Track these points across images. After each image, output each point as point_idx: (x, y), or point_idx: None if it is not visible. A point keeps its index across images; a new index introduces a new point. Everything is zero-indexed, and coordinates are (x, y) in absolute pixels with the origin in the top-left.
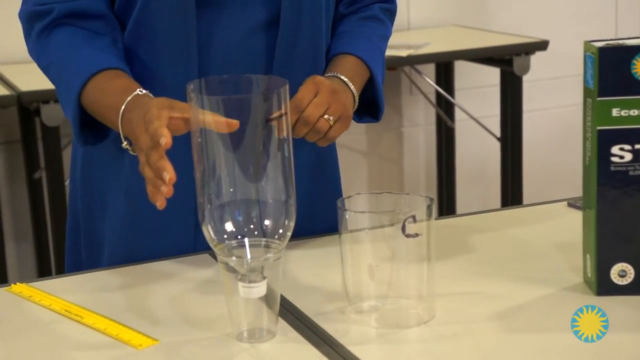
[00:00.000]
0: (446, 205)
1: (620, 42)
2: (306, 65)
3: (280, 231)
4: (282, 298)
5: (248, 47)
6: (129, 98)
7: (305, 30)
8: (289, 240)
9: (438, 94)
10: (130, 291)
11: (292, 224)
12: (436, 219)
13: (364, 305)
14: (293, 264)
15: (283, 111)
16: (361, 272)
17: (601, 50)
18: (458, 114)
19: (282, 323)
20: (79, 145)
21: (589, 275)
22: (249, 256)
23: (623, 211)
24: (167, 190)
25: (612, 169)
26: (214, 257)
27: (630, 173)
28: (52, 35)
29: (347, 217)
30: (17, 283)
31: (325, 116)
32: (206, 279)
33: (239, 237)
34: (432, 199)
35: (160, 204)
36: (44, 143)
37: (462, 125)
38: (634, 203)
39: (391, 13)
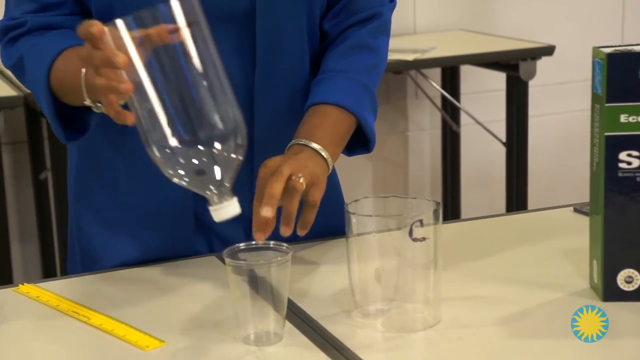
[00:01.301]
0: (451, 209)
1: (629, 48)
2: (289, 83)
3: (233, 146)
4: (289, 301)
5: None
6: (80, 50)
7: (285, 52)
8: (295, 244)
9: (444, 98)
10: (137, 293)
11: (244, 140)
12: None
13: (371, 308)
14: (300, 267)
15: (190, 21)
16: (368, 276)
17: (610, 56)
18: (464, 119)
19: (289, 326)
20: (60, 139)
21: (596, 280)
22: (218, 175)
23: (630, 217)
24: (126, 85)
25: (620, 175)
26: (221, 259)
27: (638, 179)
28: (21, 39)
29: (354, 220)
30: (25, 284)
31: (293, 177)
32: (213, 281)
33: (196, 161)
34: (438, 203)
35: (130, 120)
36: (50, 144)
37: (467, 129)
38: None
39: (380, 30)
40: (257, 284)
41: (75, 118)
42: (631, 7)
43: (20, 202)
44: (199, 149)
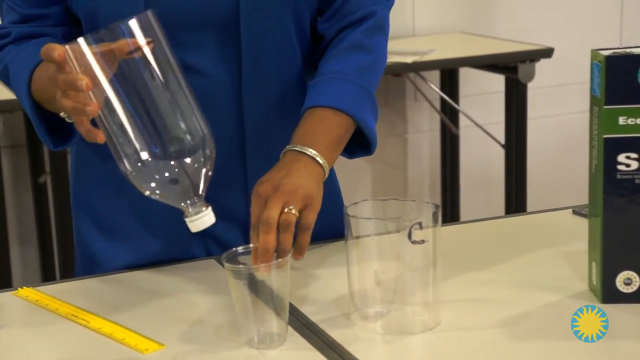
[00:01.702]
0: (450, 211)
1: (628, 50)
2: (278, 85)
3: (202, 158)
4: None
5: (212, 84)
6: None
7: (272, 55)
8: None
9: (443, 100)
10: (136, 296)
11: (212, 151)
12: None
13: (370, 311)
14: (299, 270)
15: (148, 40)
16: (367, 278)
17: (608, 58)
18: (462, 121)
19: (289, 329)
20: (47, 145)
21: (595, 282)
22: (190, 187)
23: (629, 219)
24: (92, 107)
25: (618, 177)
26: (220, 262)
27: (637, 181)
28: (6, 49)
29: (353, 223)
30: (24, 287)
31: (285, 209)
32: (213, 284)
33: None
34: (437, 206)
35: (100, 138)
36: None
37: (466, 132)
38: (639, 211)
39: (376, 29)
40: (257, 288)
41: (61, 125)
42: (629, 10)
43: (20, 206)
44: (169, 162)
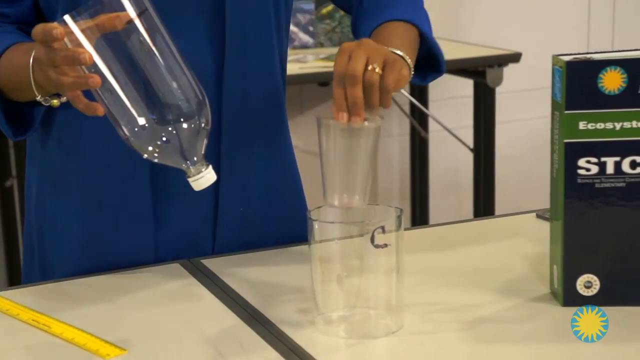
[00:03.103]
0: (419, 215)
1: (588, 56)
2: (257, 75)
3: (199, 118)
4: (251, 308)
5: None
6: (34, 52)
7: (253, 44)
8: (257, 251)
9: (412, 104)
10: (99, 301)
11: (208, 111)
12: (408, 229)
13: (333, 315)
14: (262, 274)
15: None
16: (330, 283)
17: (569, 64)
18: (432, 125)
19: (251, 333)
20: (8, 136)
21: (556, 286)
22: (189, 148)
23: (589, 223)
24: (94, 79)
25: (579, 181)
26: (185, 266)
27: (597, 185)
28: None
29: (316, 227)
30: None
31: (369, 66)
32: (176, 288)
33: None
34: (401, 210)
35: (99, 110)
36: (15, 151)
37: (435, 136)
38: (599, 215)
39: None
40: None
41: (20, 114)
42: (597, 16)
43: None
44: (168, 125)
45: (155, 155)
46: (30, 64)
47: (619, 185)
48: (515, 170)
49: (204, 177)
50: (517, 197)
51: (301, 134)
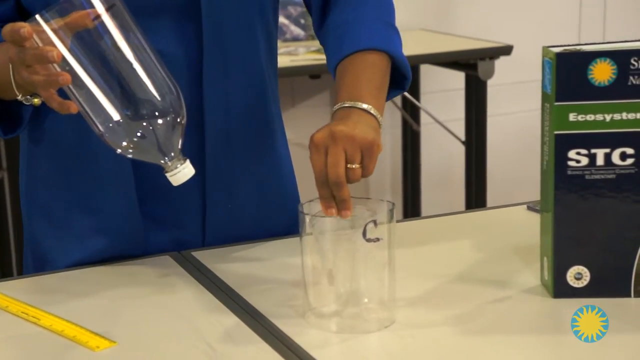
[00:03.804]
0: (411, 208)
1: (578, 47)
2: (240, 72)
3: (175, 113)
4: (243, 301)
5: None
6: (9, 52)
7: (233, 42)
8: (248, 243)
9: (404, 97)
10: (89, 293)
11: (182, 104)
12: (400, 221)
13: (324, 309)
14: (253, 266)
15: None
16: (322, 277)
17: (559, 55)
18: (423, 118)
19: (243, 326)
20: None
21: (546, 277)
22: (166, 143)
23: (579, 215)
24: (64, 76)
25: (569, 173)
26: (175, 258)
27: (587, 177)
28: None
29: (307, 220)
30: None
31: (349, 165)
32: (166, 280)
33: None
34: (393, 204)
35: (73, 108)
36: (5, 143)
37: (427, 128)
38: (589, 207)
39: None
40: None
41: (9, 113)
42: (588, 8)
43: None
44: (143, 120)
45: (130, 151)
46: (11, 67)
47: (609, 176)
48: (507, 162)
49: (181, 172)
50: (509, 189)
51: (292, 127)
